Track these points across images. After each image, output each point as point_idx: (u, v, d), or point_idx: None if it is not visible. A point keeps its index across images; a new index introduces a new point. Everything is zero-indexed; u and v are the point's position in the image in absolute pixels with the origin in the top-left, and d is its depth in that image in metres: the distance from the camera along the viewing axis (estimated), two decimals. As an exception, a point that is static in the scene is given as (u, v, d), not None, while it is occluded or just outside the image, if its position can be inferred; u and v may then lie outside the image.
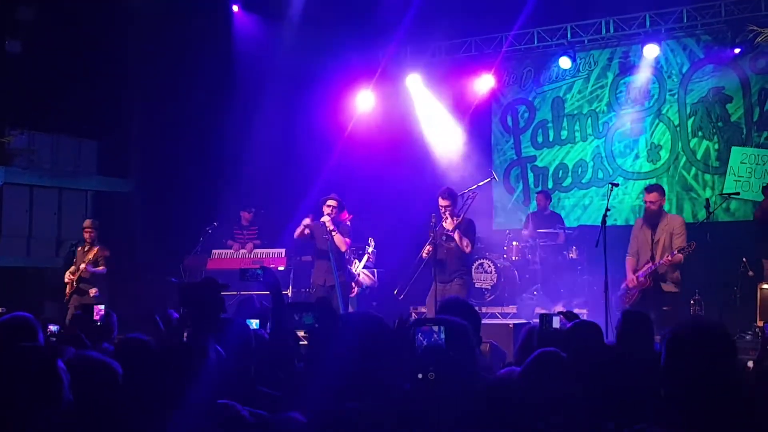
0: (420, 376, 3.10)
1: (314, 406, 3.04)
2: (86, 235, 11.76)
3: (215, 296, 4.48)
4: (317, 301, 4.94)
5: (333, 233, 10.20)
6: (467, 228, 9.39)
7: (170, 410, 3.02)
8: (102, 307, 6.60)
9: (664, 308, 9.00)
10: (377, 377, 3.03)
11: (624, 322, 4.34)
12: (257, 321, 5.16)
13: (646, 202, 9.45)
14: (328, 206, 10.26)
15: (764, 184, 10.94)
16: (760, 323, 8.93)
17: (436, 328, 3.35)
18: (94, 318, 6.40)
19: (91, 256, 11.56)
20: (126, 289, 12.92)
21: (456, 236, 9.22)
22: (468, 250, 9.36)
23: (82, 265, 11.50)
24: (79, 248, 11.86)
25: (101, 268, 11.63)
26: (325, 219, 10.17)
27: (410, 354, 3.29)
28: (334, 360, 3.43)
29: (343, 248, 10.34)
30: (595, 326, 4.39)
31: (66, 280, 11.63)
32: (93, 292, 11.51)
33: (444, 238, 9.32)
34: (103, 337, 5.87)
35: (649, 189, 9.65)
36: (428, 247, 9.34)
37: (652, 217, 9.40)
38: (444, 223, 9.25)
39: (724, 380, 2.51)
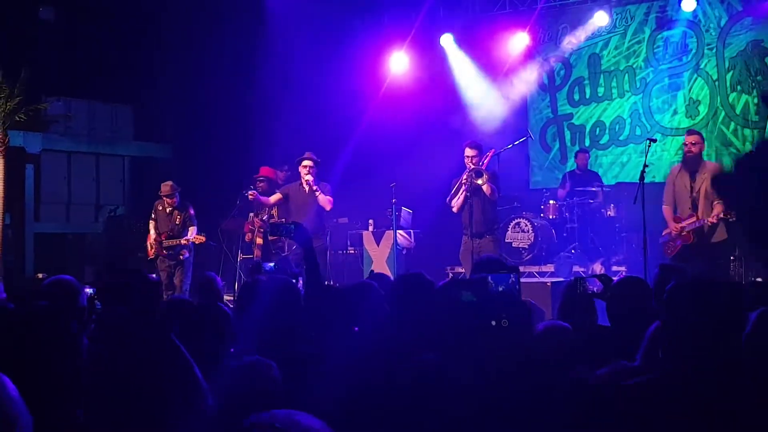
0: (494, 323, 3.08)
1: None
2: (169, 200, 11.11)
3: None
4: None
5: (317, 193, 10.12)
6: (493, 176, 9.43)
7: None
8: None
9: (719, 262, 8.79)
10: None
11: (661, 276, 4.25)
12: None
13: (686, 144, 9.06)
14: (304, 167, 10.14)
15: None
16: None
17: (511, 275, 3.29)
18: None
19: (178, 220, 11.04)
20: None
21: (482, 180, 9.21)
22: (494, 196, 9.43)
23: (184, 240, 10.89)
24: (159, 206, 11.22)
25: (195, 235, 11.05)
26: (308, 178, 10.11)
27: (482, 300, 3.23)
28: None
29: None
30: (640, 281, 4.30)
31: (150, 242, 11.11)
32: (184, 254, 11.05)
33: (471, 189, 9.33)
34: None
35: (690, 131, 9.42)
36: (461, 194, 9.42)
37: (692, 163, 8.99)
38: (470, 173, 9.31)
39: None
